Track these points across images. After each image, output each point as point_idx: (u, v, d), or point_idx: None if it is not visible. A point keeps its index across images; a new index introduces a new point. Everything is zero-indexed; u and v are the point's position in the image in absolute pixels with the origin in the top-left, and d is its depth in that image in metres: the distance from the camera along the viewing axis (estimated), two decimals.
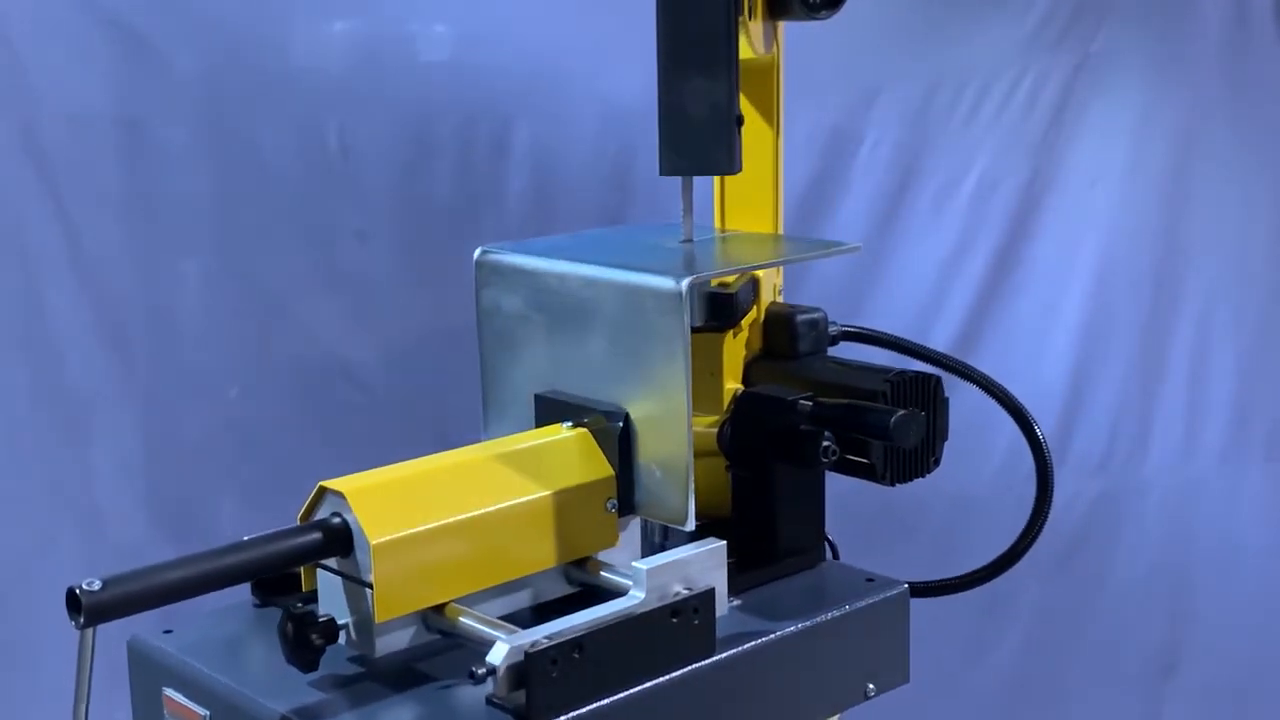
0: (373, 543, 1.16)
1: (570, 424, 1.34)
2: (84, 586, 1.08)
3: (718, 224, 1.60)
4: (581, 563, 1.32)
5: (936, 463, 1.46)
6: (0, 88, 2.34)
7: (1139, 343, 2.76)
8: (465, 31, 2.49)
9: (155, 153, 2.41)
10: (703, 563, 1.25)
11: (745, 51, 1.45)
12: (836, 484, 2.40)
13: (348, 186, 2.49)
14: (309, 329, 2.52)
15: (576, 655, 1.14)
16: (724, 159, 1.39)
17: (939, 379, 1.44)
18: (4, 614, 2.43)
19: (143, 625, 1.28)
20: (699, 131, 1.38)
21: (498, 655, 1.11)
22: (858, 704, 1.42)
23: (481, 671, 1.11)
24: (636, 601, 1.20)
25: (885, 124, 2.64)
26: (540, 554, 1.28)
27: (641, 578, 1.21)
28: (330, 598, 1.21)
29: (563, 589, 1.32)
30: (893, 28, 2.63)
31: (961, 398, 2.73)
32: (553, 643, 1.13)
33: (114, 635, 2.60)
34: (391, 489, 1.22)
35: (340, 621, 1.19)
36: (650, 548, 1.41)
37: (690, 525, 1.29)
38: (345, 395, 2.53)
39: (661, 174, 1.42)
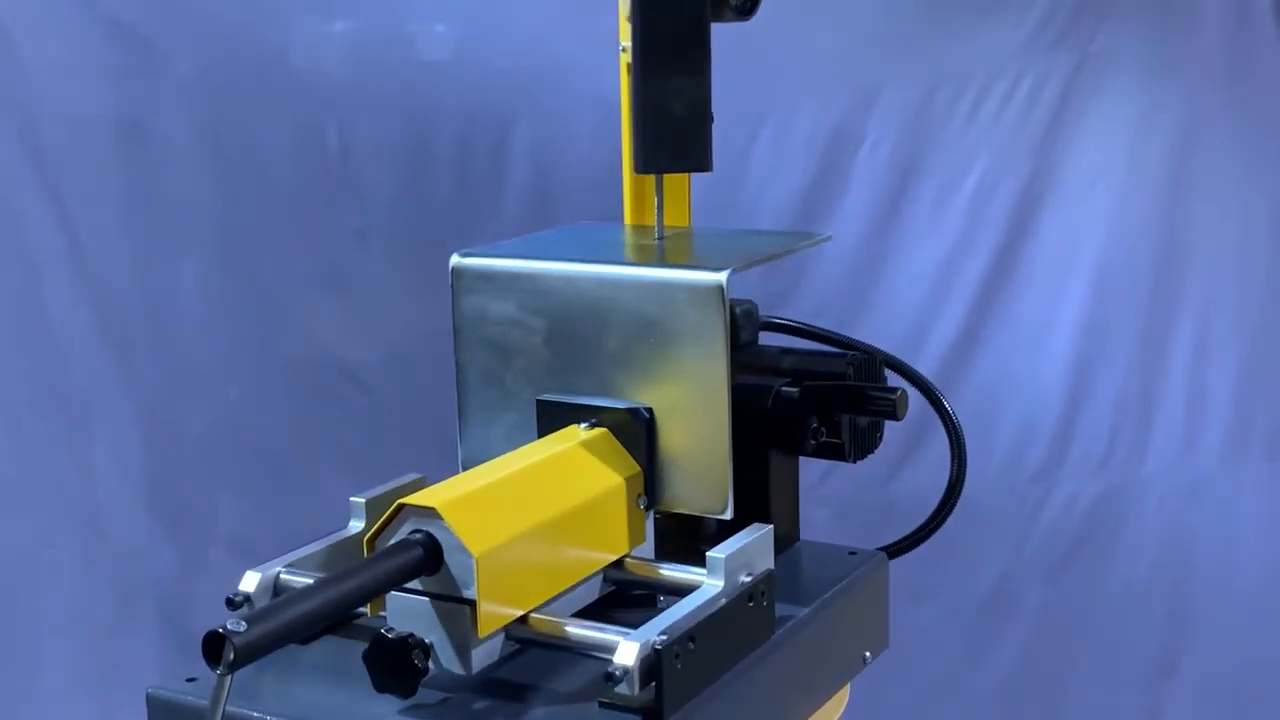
0: (477, 555, 1.14)
1: (588, 425, 1.34)
2: (229, 627, 1.00)
3: (629, 218, 1.61)
4: (618, 561, 1.34)
5: (881, 438, 1.50)
6: (0, 87, 2.34)
7: (1139, 342, 2.76)
8: (465, 31, 2.49)
9: (155, 153, 2.42)
10: (759, 547, 1.29)
11: None
12: (838, 488, 2.40)
13: (348, 186, 2.49)
14: (309, 329, 2.52)
15: (691, 646, 1.18)
16: (702, 156, 1.40)
17: (881, 358, 1.48)
18: (4, 613, 2.43)
19: (135, 675, 1.22)
20: (677, 129, 1.39)
21: (629, 655, 1.13)
22: (859, 672, 1.47)
23: (618, 673, 1.12)
24: (718, 590, 1.24)
25: (885, 124, 2.64)
26: (600, 554, 1.30)
27: (719, 566, 1.24)
28: (409, 619, 1.18)
29: (604, 588, 1.33)
30: (893, 28, 2.63)
31: (962, 401, 2.74)
32: (673, 638, 1.16)
33: (109, 634, 2.59)
34: (473, 501, 1.20)
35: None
36: None
37: (730, 513, 1.32)
38: (345, 395, 2.54)
39: (637, 171, 1.43)
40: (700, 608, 1.20)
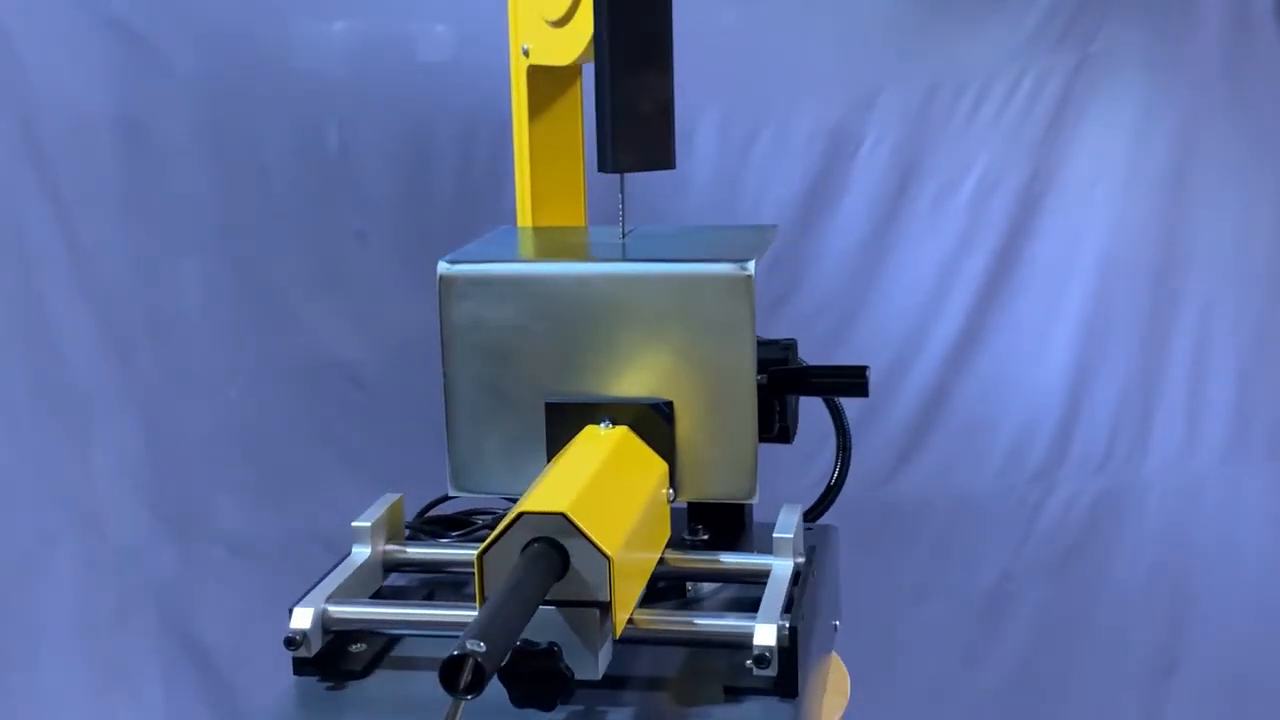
0: (612, 556, 1.14)
1: (607, 423, 1.35)
2: (470, 647, 0.98)
3: (525, 221, 1.62)
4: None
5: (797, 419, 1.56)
6: (0, 87, 2.34)
7: (1139, 343, 2.76)
8: (465, 31, 2.49)
9: (155, 153, 2.42)
10: (800, 527, 1.37)
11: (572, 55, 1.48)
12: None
13: (348, 186, 2.49)
14: (309, 329, 2.52)
15: (801, 622, 1.24)
16: (667, 154, 1.41)
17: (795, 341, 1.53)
18: (4, 614, 2.43)
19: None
20: (644, 128, 1.39)
21: (769, 638, 1.19)
22: (833, 641, 1.53)
23: (767, 654, 1.18)
24: (788, 567, 1.32)
25: (885, 124, 2.64)
26: (659, 549, 1.34)
27: (787, 546, 1.33)
28: (531, 628, 1.15)
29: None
30: (893, 28, 2.63)
31: (962, 401, 2.74)
32: (795, 616, 1.22)
33: (109, 634, 2.59)
34: (589, 503, 1.18)
35: None
36: None
37: (756, 498, 1.37)
38: (345, 395, 2.54)
39: (604, 170, 1.41)
40: (789, 586, 1.28)
